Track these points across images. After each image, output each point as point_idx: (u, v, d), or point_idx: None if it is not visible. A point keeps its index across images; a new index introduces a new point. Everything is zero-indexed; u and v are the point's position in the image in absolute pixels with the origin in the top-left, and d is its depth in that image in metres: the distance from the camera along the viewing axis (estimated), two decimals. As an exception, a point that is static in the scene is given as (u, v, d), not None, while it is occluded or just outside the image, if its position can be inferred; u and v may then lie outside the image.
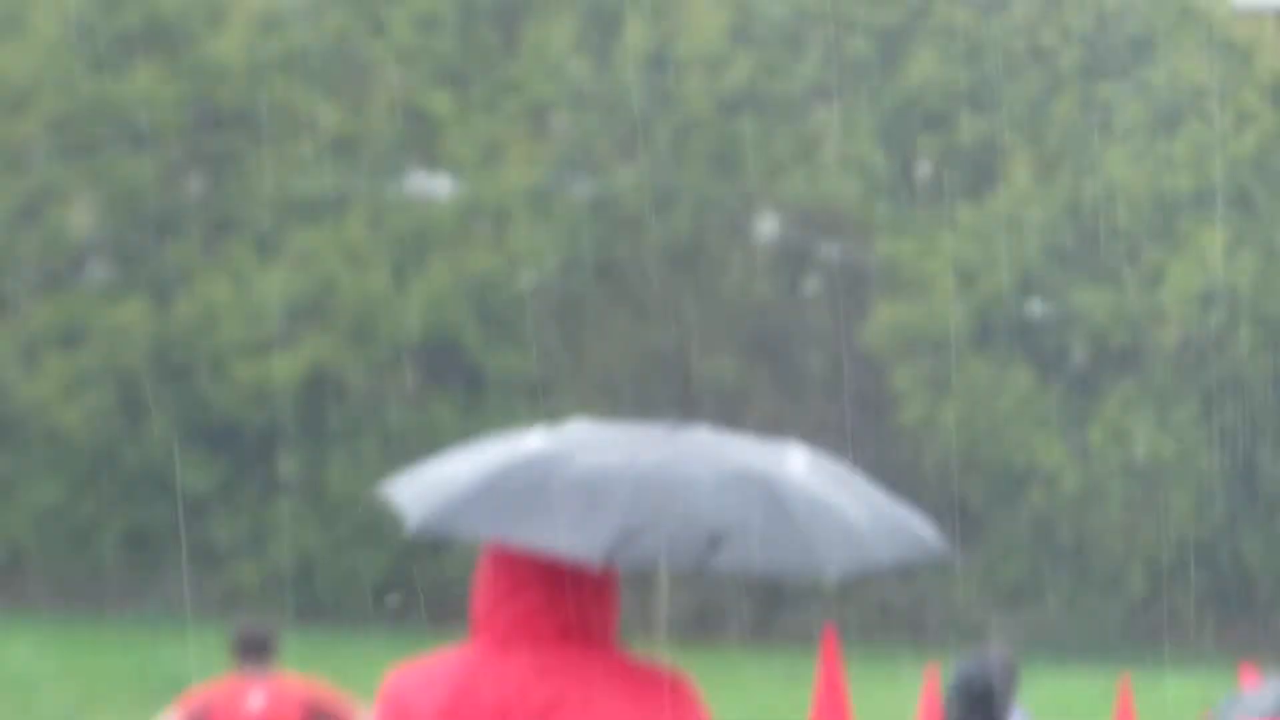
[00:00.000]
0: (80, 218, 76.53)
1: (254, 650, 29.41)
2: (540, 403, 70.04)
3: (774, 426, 73.00)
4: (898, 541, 11.82)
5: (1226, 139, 73.98)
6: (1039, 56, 77.23)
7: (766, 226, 79.03)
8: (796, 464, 11.83)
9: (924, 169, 78.73)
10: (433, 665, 11.64)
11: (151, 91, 75.79)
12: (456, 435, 68.59)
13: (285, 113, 76.29)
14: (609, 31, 78.63)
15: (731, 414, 71.25)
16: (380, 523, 72.40)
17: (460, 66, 76.70)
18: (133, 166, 74.79)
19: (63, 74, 75.39)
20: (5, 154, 73.95)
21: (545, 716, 11.33)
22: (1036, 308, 75.52)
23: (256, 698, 28.91)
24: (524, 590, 11.40)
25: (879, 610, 55.21)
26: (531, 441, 11.70)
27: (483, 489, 11.45)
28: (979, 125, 75.97)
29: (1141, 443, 71.37)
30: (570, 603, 11.40)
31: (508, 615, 11.44)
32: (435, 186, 78.45)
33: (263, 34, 77.78)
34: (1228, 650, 64.78)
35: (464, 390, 72.86)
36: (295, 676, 30.32)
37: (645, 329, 74.42)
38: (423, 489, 11.71)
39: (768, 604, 66.80)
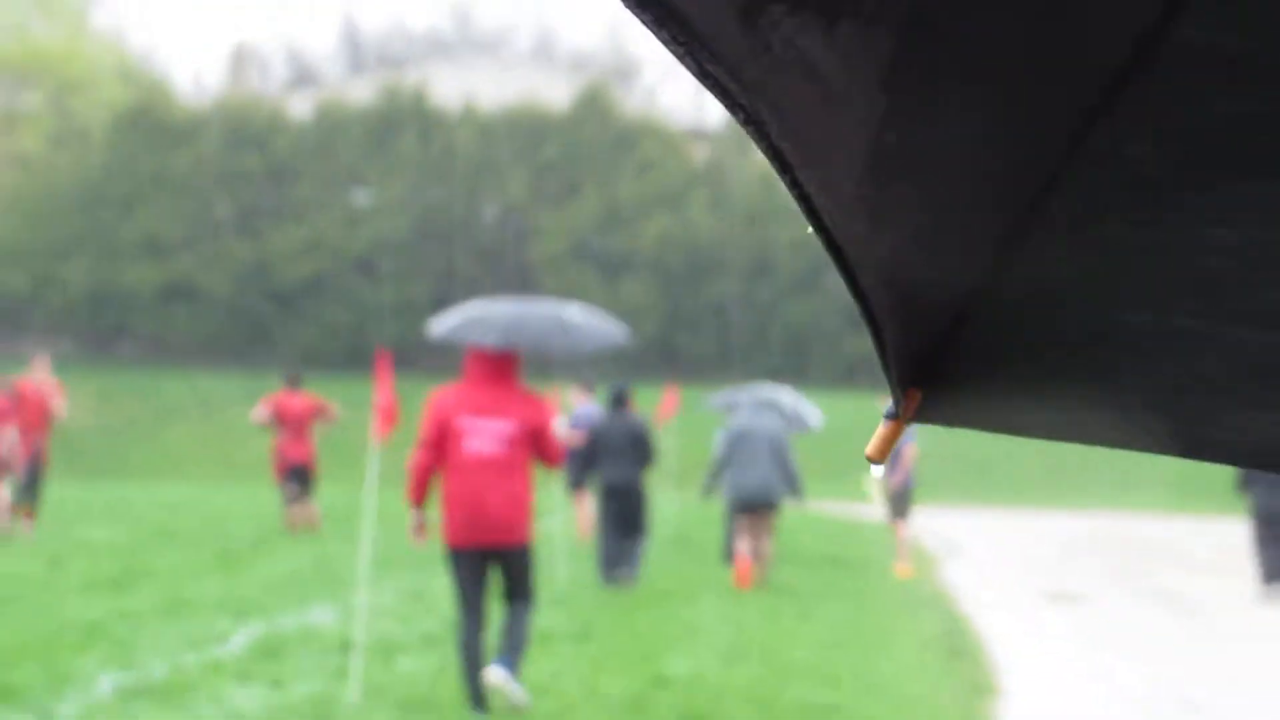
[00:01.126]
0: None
1: (292, 382, 28.23)
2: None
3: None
4: (610, 337, 14.14)
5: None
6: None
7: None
8: (572, 310, 13.76)
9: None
10: (449, 389, 12.07)
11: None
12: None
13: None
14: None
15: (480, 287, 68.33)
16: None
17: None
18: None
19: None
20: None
21: (490, 409, 11.90)
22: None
23: (295, 401, 27.59)
24: (480, 361, 11.97)
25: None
26: (483, 304, 13.05)
27: (459, 323, 12.60)
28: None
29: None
30: (498, 365, 11.97)
31: (475, 371, 11.96)
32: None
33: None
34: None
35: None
36: (310, 393, 28.82)
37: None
38: (442, 322, 12.84)
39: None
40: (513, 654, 12.04)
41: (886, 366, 1.97)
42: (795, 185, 1.76)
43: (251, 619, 16.83)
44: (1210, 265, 1.84)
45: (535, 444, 12.01)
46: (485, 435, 11.91)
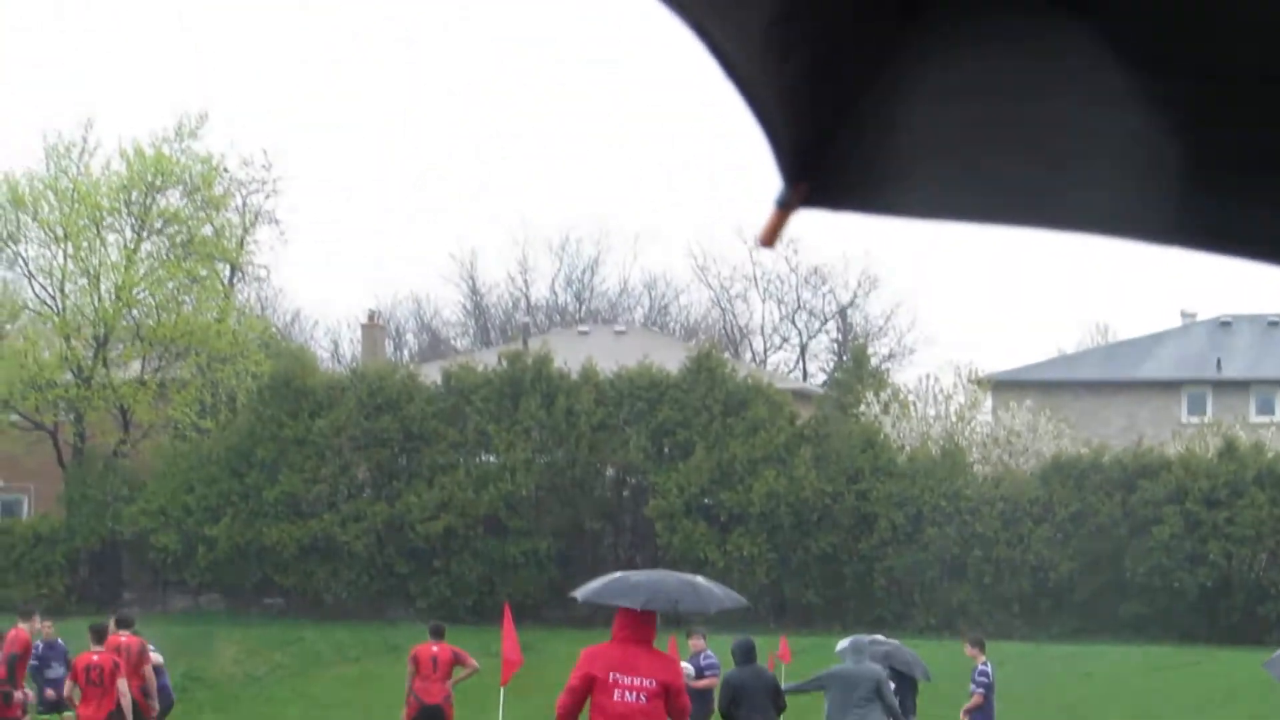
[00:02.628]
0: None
1: (436, 633, 28.86)
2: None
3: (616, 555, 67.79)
4: (732, 600, 15.64)
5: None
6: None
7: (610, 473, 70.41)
8: (699, 578, 15.37)
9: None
10: (601, 647, 13.08)
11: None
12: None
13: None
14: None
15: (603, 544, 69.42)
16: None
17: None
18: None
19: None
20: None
21: (634, 667, 12.76)
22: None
23: (436, 648, 28.22)
24: (625, 626, 12.97)
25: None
26: (625, 574, 14.47)
27: (603, 587, 14.08)
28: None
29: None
30: (641, 627, 12.96)
31: (622, 633, 12.96)
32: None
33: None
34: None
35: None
36: (450, 645, 28.83)
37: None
38: (587, 587, 14.39)
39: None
40: None
41: (778, 163, 2.12)
42: (712, 45, 2.00)
43: None
44: (1069, 62, 1.99)
45: (669, 699, 12.93)
46: (631, 689, 12.78)
